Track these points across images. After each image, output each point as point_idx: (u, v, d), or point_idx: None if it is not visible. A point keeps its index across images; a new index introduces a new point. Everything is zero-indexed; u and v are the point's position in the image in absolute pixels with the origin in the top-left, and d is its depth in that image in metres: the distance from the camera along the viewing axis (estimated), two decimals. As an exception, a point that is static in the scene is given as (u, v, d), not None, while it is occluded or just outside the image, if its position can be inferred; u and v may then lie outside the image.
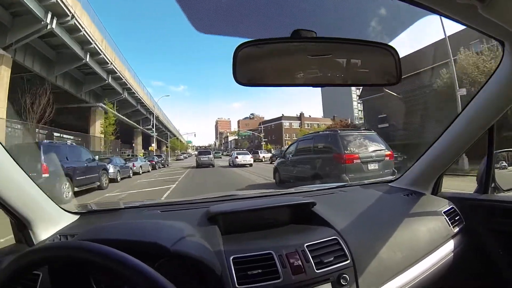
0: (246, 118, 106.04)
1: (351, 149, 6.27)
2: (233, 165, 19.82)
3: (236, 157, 20.02)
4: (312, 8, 0.99)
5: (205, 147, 75.74)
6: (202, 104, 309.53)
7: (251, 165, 19.75)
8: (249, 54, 0.78)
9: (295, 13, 0.98)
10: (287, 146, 10.43)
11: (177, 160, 41.87)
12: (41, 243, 1.04)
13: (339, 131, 6.94)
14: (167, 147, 49.81)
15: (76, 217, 1.25)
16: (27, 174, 1.01)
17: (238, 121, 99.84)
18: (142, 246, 0.84)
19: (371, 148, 6.44)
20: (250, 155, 21.60)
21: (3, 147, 0.92)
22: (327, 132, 8.02)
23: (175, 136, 60.36)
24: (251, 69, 0.81)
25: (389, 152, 6.56)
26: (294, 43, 0.80)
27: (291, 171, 7.90)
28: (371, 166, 6.23)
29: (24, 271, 0.64)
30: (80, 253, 0.62)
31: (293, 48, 0.82)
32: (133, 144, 38.32)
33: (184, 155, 52.80)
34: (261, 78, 0.84)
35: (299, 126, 53.53)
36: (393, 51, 0.83)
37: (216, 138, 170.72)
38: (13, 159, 0.95)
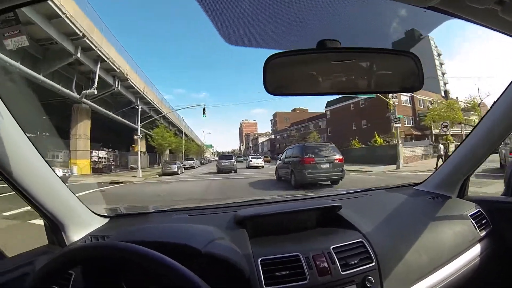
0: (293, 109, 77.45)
1: (310, 154, 9.83)
2: (248, 166, 23.83)
3: (250, 161, 24.83)
4: (336, 19, 1.04)
5: (228, 152, 60.83)
6: (224, 110, 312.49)
7: (262, 166, 23.17)
8: (278, 65, 0.81)
9: (320, 23, 1.02)
10: (284, 152, 13.07)
11: (163, 175, 19.19)
12: (73, 245, 1.11)
13: (305, 144, 12.36)
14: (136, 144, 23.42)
15: (106, 220, 1.33)
16: (61, 180, 1.09)
17: (275, 114, 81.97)
18: (174, 248, 0.86)
19: (325, 154, 10.00)
20: (262, 159, 26.12)
21: (40, 154, 1.00)
22: (300, 144, 12.67)
23: (168, 121, 35.12)
24: (280, 79, 0.84)
25: (339, 157, 10.14)
26: (320, 53, 0.81)
27: (284, 169, 11.51)
28: (324, 166, 9.81)
29: (66, 267, 0.67)
30: (123, 253, 0.64)
31: (319, 58, 0.83)
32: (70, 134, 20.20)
33: (191, 162, 29.81)
34: (290, 88, 0.87)
35: (410, 104, 32.54)
36: (415, 58, 0.84)
37: (241, 142, 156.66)
38: (49, 165, 1.04)
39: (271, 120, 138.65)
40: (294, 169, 10.22)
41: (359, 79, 0.87)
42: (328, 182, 10.26)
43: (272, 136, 78.44)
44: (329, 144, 11.13)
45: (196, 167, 30.72)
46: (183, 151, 38.49)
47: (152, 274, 0.65)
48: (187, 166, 28.43)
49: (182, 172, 22.19)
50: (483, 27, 0.76)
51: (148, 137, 29.78)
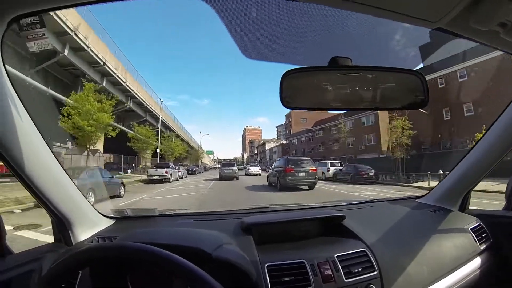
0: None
1: (291, 165, 12.41)
2: (247, 174, 25.85)
3: (249, 169, 27.13)
4: (348, 36, 1.07)
5: (230, 160, 50.22)
6: (226, 118, 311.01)
7: (259, 174, 24.81)
8: (293, 80, 0.85)
9: (332, 40, 1.07)
10: (274, 163, 16.00)
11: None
12: (79, 244, 1.13)
13: (288, 157, 15.20)
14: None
15: (112, 221, 1.34)
16: (71, 180, 1.11)
17: (290, 114, 67.04)
18: (184, 251, 0.84)
19: (302, 165, 12.65)
20: (259, 167, 28.27)
21: (53, 154, 1.01)
22: (284, 157, 15.29)
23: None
24: (294, 94, 0.88)
25: (313, 168, 12.91)
26: (332, 70, 0.85)
27: (273, 177, 13.84)
28: (300, 174, 12.34)
29: (80, 266, 0.69)
30: (141, 254, 0.66)
31: (331, 75, 0.87)
32: None
33: (163, 170, 17.10)
34: (303, 102, 0.91)
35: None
36: (421, 77, 0.88)
37: (244, 149, 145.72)
38: (61, 165, 1.05)
39: (277, 127, 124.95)
40: (279, 176, 12.73)
41: (369, 96, 0.89)
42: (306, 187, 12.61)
43: (284, 142, 65.32)
44: (307, 158, 13.96)
45: (174, 181, 17.74)
46: (158, 150, 25.14)
47: (159, 277, 0.72)
48: (155, 178, 15.50)
49: (121, 197, 10.04)
50: (486, 46, 0.80)
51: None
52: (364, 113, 31.13)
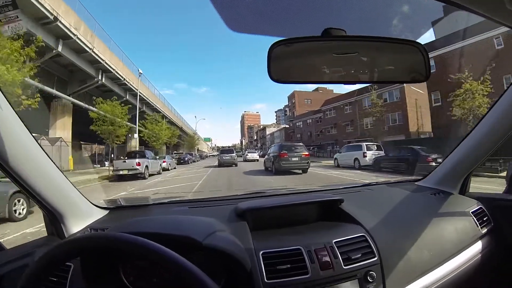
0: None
1: (285, 150, 13.12)
2: (245, 160, 26.39)
3: (247, 155, 27.54)
4: (342, 7, 1.02)
5: (229, 147, 48.39)
6: (224, 105, 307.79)
7: (257, 160, 25.21)
8: (282, 52, 0.79)
9: (325, 11, 1.00)
10: (269, 148, 17.25)
11: None
12: (72, 236, 1.10)
13: (282, 143, 16.50)
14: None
15: (106, 212, 1.31)
16: (61, 172, 1.08)
17: (293, 94, 56.18)
18: (174, 240, 0.83)
19: (295, 150, 13.22)
20: (257, 153, 29.60)
21: (41, 147, 0.98)
22: (279, 143, 16.31)
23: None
24: (284, 67, 0.81)
25: (306, 153, 13.37)
26: (324, 41, 0.79)
27: (269, 162, 14.60)
28: (293, 159, 12.96)
29: (63, 258, 0.64)
30: (121, 244, 0.62)
31: (323, 47, 0.81)
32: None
33: (132, 163, 12.12)
34: (294, 76, 0.84)
35: None
36: (421, 48, 0.82)
37: (243, 135, 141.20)
38: (50, 158, 1.02)
39: (276, 112, 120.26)
40: (274, 161, 13.49)
41: (365, 68, 0.85)
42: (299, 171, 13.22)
43: (286, 126, 60.49)
44: (300, 144, 14.64)
45: (155, 175, 14.67)
46: (136, 135, 20.29)
47: (152, 266, 0.67)
48: (123, 173, 11.04)
49: None
50: (489, 19, 0.75)
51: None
52: (386, 88, 26.34)
